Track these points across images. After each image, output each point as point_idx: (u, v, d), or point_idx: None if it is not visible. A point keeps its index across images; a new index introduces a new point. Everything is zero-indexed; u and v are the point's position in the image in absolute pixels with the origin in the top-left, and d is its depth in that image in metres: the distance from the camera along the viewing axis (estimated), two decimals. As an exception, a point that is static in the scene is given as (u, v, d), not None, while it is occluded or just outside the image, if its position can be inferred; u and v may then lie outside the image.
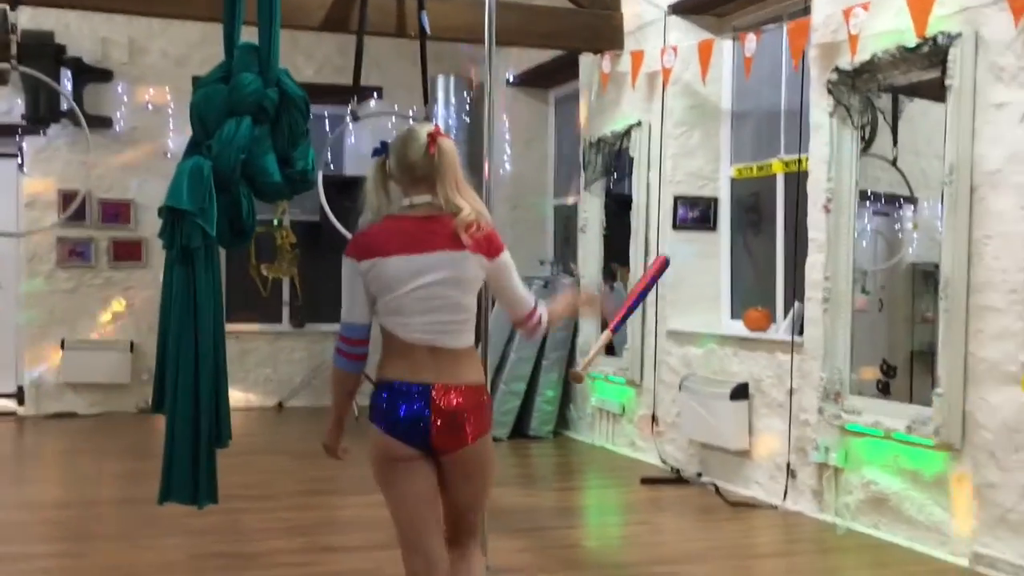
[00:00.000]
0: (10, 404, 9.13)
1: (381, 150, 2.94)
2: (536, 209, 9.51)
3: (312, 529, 4.93)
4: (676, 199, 6.75)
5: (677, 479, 6.20)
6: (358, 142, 10.14)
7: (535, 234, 9.51)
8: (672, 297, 6.76)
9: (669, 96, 6.79)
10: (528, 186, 9.52)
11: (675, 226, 6.76)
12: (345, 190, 9.36)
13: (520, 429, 7.87)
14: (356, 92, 5.46)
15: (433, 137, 2.75)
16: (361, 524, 5.08)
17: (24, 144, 9.18)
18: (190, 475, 3.68)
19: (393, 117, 9.69)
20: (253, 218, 3.88)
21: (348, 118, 5.69)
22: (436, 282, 2.70)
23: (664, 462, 6.61)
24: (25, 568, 4.16)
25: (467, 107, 9.35)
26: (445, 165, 2.72)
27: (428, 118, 5.74)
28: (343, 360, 2.85)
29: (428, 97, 6.06)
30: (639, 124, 7.04)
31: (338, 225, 4.92)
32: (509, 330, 7.86)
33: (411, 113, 9.02)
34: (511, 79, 9.18)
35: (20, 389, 9.18)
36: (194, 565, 4.27)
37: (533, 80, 9.16)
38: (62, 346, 9.16)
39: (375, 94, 9.86)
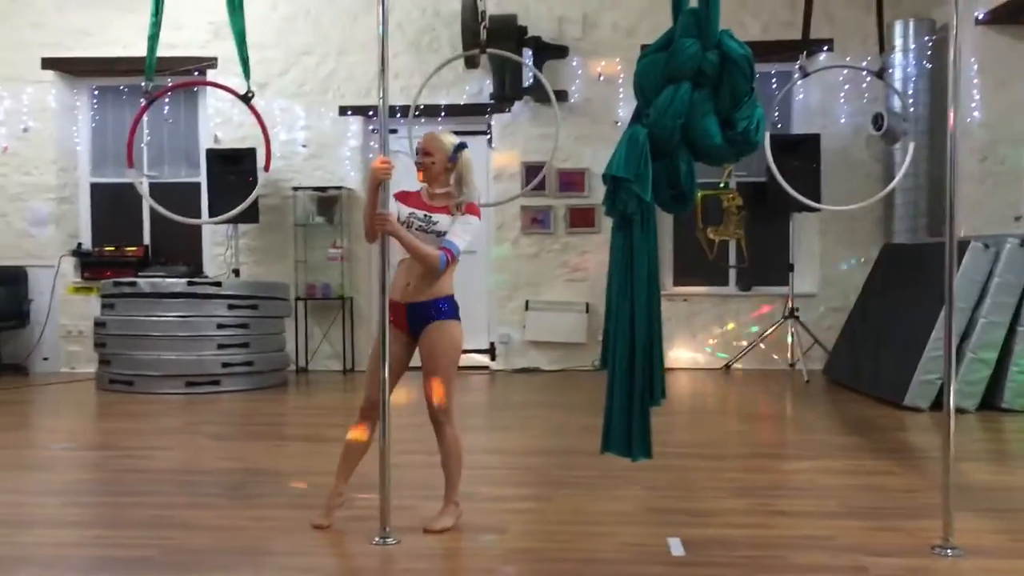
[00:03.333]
0: (484, 359, 10.09)
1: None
2: (1010, 159, 8.59)
3: (761, 491, 4.89)
4: None
5: None
6: (807, 98, 9.82)
7: (1008, 187, 8.63)
8: None
9: None
10: (1000, 134, 8.65)
11: None
12: (794, 149, 9.16)
13: (990, 401, 7.20)
14: (805, 46, 5.25)
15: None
16: (813, 490, 4.96)
17: (492, 121, 10.01)
18: (625, 429, 3.84)
19: (844, 70, 9.24)
20: (693, 182, 3.91)
21: (796, 74, 5.50)
22: None
23: None
24: (497, 508, 4.57)
25: (928, 52, 8.65)
26: None
27: (884, 68, 5.39)
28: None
29: (884, 45, 5.69)
30: None
31: (787, 186, 4.78)
32: (977, 294, 7.22)
33: (864, 64, 8.54)
34: (980, 17, 8.34)
35: (492, 346, 10.09)
36: (649, 518, 4.42)
37: (1007, 16, 8.27)
38: (526, 307, 9.92)
39: (825, 47, 9.45)
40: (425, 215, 4.17)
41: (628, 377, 3.82)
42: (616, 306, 3.85)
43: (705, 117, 3.80)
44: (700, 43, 3.73)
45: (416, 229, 4.14)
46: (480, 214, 4.25)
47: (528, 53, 9.64)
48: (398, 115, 9.68)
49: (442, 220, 4.16)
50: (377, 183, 4.02)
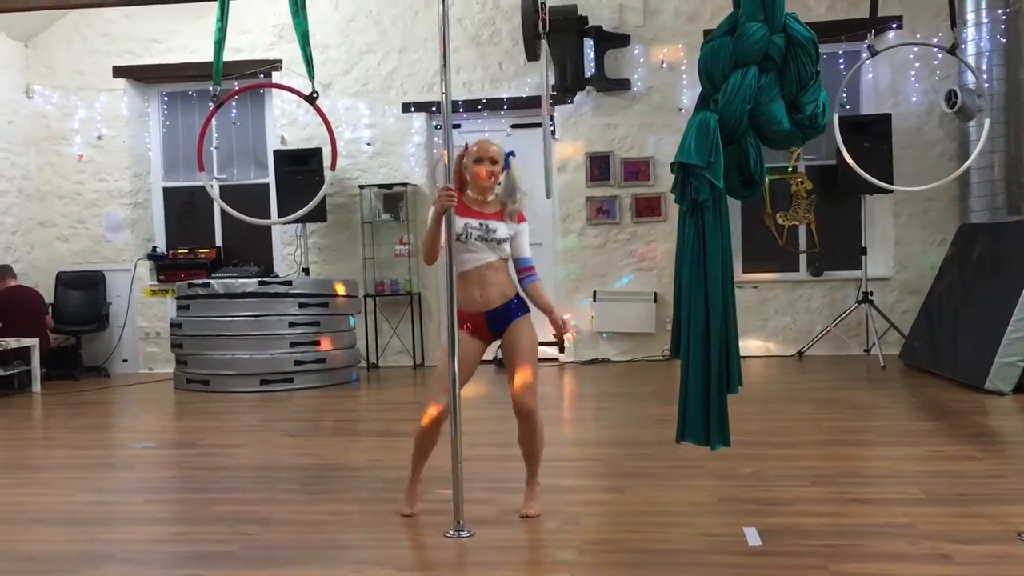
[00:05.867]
0: (552, 351, 10.05)
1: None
2: (1090, 133, 8.31)
3: (838, 479, 4.80)
4: None
5: None
6: (876, 77, 9.63)
7: (1090, 162, 8.34)
8: None
9: None
10: (1080, 108, 8.35)
11: None
12: (864, 130, 8.98)
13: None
14: (873, 25, 5.14)
15: None
16: (892, 476, 4.85)
17: (555, 112, 9.98)
18: (703, 418, 3.80)
19: (915, 47, 9.04)
20: (762, 168, 3.86)
21: (865, 53, 5.38)
22: None
23: None
24: (571, 499, 4.55)
25: (1002, 25, 8.40)
26: None
27: (956, 44, 5.24)
28: None
29: (956, 20, 5.54)
30: None
31: (857, 168, 4.68)
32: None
33: (935, 41, 8.35)
34: (1055, -13, 8.07)
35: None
36: (722, 507, 4.37)
37: (1084, -15, 7.98)
38: (594, 298, 9.89)
39: (894, 25, 9.25)
40: (482, 223, 4.16)
41: (704, 367, 3.76)
42: (688, 295, 3.80)
43: (772, 102, 3.76)
44: (767, 27, 3.69)
45: (476, 239, 4.14)
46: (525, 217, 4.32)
47: (589, 43, 9.60)
48: (461, 110, 9.70)
49: (500, 227, 4.18)
50: (443, 211, 4.03)
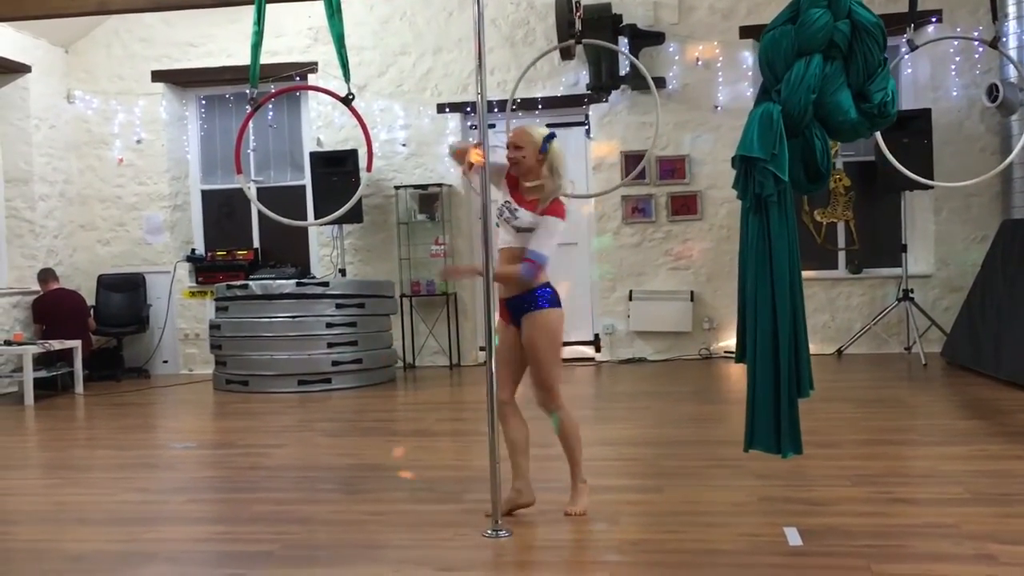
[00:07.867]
0: (588, 351, 10.06)
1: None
2: None
3: (880, 479, 4.75)
4: None
5: None
6: (915, 72, 9.52)
7: None
8: None
9: None
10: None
11: None
12: (904, 125, 8.86)
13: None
14: (913, 19, 5.06)
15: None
16: (935, 476, 4.79)
17: (590, 111, 9.97)
18: (772, 424, 3.69)
19: (955, 41, 8.92)
20: (828, 160, 3.75)
21: (904, 48, 5.30)
22: None
23: None
24: (612, 499, 4.54)
25: (1045, 18, 8.27)
26: None
27: (998, 37, 5.16)
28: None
29: (997, 13, 5.44)
30: None
31: (897, 164, 4.61)
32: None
33: (975, 35, 8.24)
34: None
35: (596, 337, 10.05)
36: (762, 507, 4.33)
37: None
38: (630, 297, 9.85)
39: (934, 19, 9.14)
40: (507, 203, 4.19)
41: (773, 370, 3.65)
42: (754, 296, 3.67)
43: (838, 91, 3.65)
44: (830, 13, 3.61)
45: (503, 219, 4.17)
46: (564, 213, 4.18)
47: (624, 41, 9.56)
48: (495, 110, 9.70)
49: (524, 216, 4.13)
50: (465, 165, 4.11)
